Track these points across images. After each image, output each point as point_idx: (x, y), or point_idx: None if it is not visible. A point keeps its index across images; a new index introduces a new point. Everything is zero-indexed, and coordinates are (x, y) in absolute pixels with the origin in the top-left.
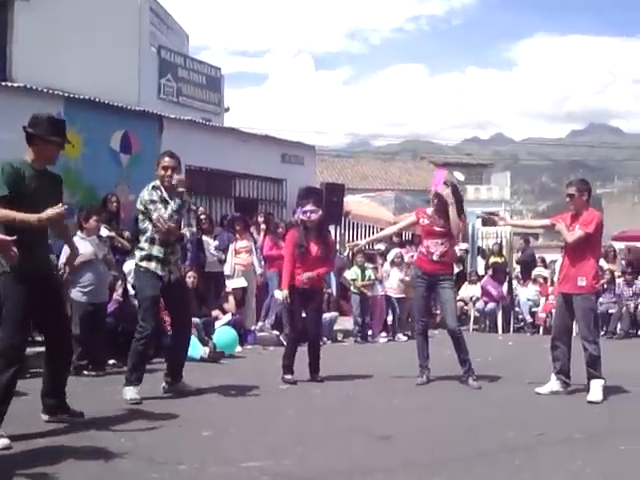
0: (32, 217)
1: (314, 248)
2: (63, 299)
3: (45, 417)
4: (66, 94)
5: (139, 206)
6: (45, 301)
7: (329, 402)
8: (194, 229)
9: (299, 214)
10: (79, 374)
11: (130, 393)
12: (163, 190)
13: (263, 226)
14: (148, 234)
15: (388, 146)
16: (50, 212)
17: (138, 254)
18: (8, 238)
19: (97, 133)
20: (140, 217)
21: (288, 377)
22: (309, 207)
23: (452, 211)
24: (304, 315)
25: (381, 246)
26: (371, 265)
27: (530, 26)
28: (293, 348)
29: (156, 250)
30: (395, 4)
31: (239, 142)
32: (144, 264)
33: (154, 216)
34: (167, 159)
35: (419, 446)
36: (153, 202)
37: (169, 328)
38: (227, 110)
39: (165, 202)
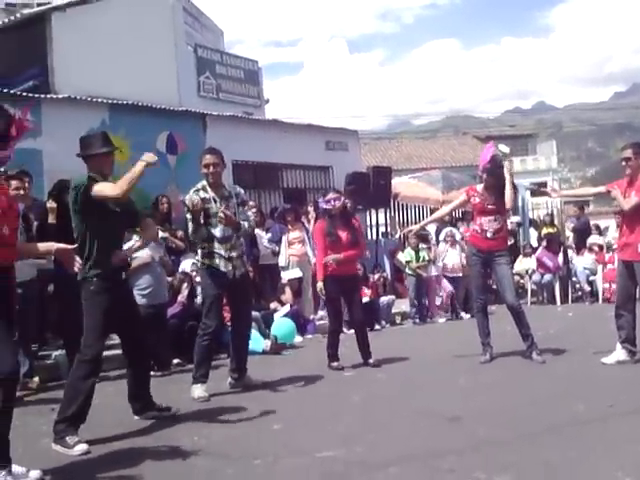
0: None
1: (343, 234)
2: (136, 303)
3: (136, 417)
4: (109, 101)
5: (186, 207)
6: (122, 307)
7: (394, 386)
8: (252, 221)
9: (322, 204)
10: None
11: (197, 391)
12: (209, 188)
13: (313, 215)
14: (205, 232)
15: (429, 124)
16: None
17: (200, 252)
18: (69, 247)
19: (143, 136)
20: (188, 216)
21: (335, 364)
22: (331, 195)
23: (508, 187)
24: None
25: (432, 226)
26: (425, 246)
27: None
28: (335, 337)
29: (216, 247)
30: None
31: (282, 133)
32: (206, 261)
33: (211, 212)
34: (207, 156)
35: (488, 425)
36: (203, 201)
37: (228, 323)
38: (267, 102)
39: (213, 200)
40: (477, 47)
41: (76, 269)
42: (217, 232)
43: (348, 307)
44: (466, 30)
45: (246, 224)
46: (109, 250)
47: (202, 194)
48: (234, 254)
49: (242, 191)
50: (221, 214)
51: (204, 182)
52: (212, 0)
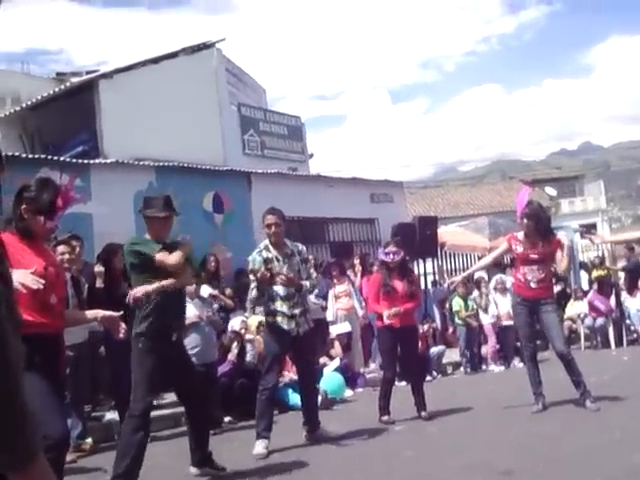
0: None
1: (399, 285)
2: (190, 361)
3: (193, 470)
4: (156, 163)
5: (250, 267)
6: (174, 365)
7: (446, 439)
8: (314, 280)
9: (381, 255)
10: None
11: (258, 447)
12: (271, 247)
13: (359, 267)
14: (269, 291)
15: (475, 170)
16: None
17: (264, 310)
18: (114, 314)
19: (189, 197)
20: (251, 277)
21: (385, 418)
22: (391, 248)
23: (564, 260)
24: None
25: (483, 273)
26: (476, 293)
27: (602, 30)
28: (388, 389)
29: (278, 305)
30: (464, 28)
31: (327, 187)
32: (270, 319)
33: (274, 271)
34: (269, 216)
35: (542, 478)
36: (267, 261)
37: (281, 380)
38: (311, 156)
39: (276, 259)
40: (519, 90)
41: (121, 335)
42: (280, 290)
43: (404, 359)
44: (507, 75)
45: (308, 283)
46: (162, 309)
47: (265, 254)
48: (297, 311)
49: (304, 249)
50: (283, 277)
51: (267, 242)
52: (254, 59)
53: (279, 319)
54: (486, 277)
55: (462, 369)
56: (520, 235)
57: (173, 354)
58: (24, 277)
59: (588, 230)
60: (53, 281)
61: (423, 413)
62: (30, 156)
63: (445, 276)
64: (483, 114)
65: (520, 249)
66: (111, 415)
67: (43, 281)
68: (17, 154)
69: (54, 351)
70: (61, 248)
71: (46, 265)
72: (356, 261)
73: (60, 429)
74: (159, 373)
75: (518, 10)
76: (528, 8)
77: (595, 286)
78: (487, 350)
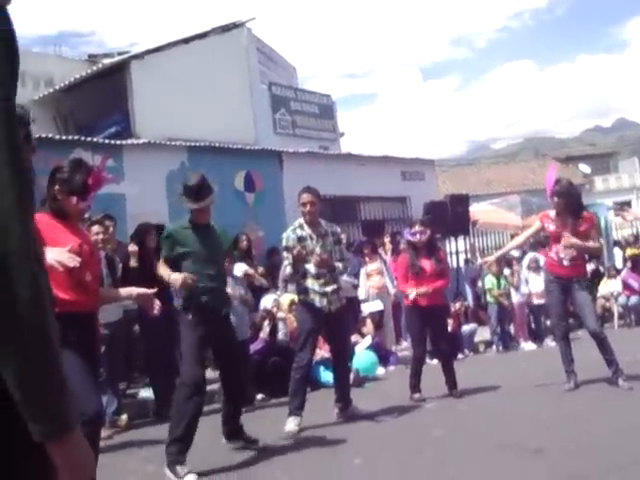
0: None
1: (427, 264)
2: (235, 337)
3: (224, 442)
4: (187, 143)
5: (284, 244)
6: (219, 339)
7: (476, 418)
8: (347, 262)
9: (407, 235)
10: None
11: (289, 424)
12: (306, 226)
13: (389, 246)
14: (301, 269)
15: (508, 147)
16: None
17: (296, 289)
18: (148, 291)
19: (221, 176)
20: (284, 254)
21: (416, 396)
22: (417, 228)
23: (593, 243)
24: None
25: (515, 252)
26: (508, 271)
27: (637, 3)
28: (418, 367)
29: (310, 283)
30: (496, 4)
31: (358, 166)
32: (302, 297)
33: (307, 251)
34: (304, 195)
35: (573, 457)
36: (300, 239)
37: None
38: (342, 135)
39: (310, 237)
40: (552, 66)
41: (156, 312)
42: (312, 268)
43: (433, 338)
44: (539, 50)
45: (341, 265)
46: (206, 283)
47: (299, 232)
48: (329, 289)
49: (338, 229)
50: (317, 258)
51: (301, 220)
52: (284, 37)
53: (311, 296)
54: (518, 255)
55: (494, 347)
56: (552, 213)
57: (220, 327)
58: (60, 255)
59: (622, 207)
60: (87, 259)
61: (454, 391)
62: (64, 137)
63: (477, 254)
64: (515, 91)
65: (552, 227)
66: (145, 392)
67: (79, 258)
68: (51, 136)
69: (89, 329)
70: (95, 228)
71: (81, 243)
72: (386, 239)
73: (95, 406)
74: (206, 344)
75: None
76: None
77: (629, 264)
78: (516, 328)
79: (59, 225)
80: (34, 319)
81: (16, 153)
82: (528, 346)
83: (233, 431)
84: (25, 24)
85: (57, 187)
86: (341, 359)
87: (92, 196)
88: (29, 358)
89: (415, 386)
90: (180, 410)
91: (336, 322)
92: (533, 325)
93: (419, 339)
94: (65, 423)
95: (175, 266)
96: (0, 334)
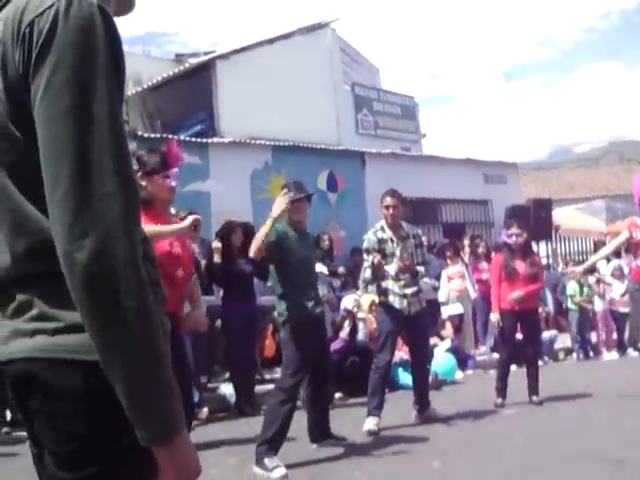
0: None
1: (521, 267)
2: (326, 340)
3: (314, 446)
4: (271, 143)
5: (365, 246)
6: (315, 342)
7: (557, 426)
8: (428, 266)
9: (504, 237)
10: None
11: (368, 424)
12: (387, 228)
13: (468, 249)
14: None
15: (591, 151)
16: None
17: (376, 290)
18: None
19: (304, 175)
20: (365, 256)
21: (499, 401)
22: (514, 230)
23: None
24: (520, 336)
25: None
26: (593, 279)
27: None
28: (505, 371)
29: (390, 284)
30: (583, 5)
31: (440, 168)
32: (382, 298)
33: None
34: (388, 198)
35: None
36: (381, 241)
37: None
38: (424, 137)
39: (390, 240)
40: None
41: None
42: (392, 270)
43: (522, 341)
44: (628, 51)
45: (423, 269)
46: (303, 291)
47: (380, 234)
48: (409, 291)
49: (420, 232)
50: (400, 264)
51: (382, 222)
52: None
53: (391, 298)
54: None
55: (574, 355)
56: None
57: (317, 331)
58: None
59: None
60: (179, 254)
61: (534, 398)
62: (152, 135)
63: (559, 259)
64: (601, 93)
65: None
66: (226, 387)
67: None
68: (139, 133)
69: (175, 325)
70: None
71: (173, 239)
72: (466, 242)
73: (186, 400)
74: (308, 351)
75: None
76: None
77: None
78: (598, 337)
79: (150, 223)
80: (141, 327)
81: (123, 162)
82: (610, 355)
83: (322, 433)
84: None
85: (139, 173)
86: (420, 361)
87: (174, 173)
88: (137, 365)
89: (501, 390)
90: (273, 413)
91: (415, 325)
92: (615, 334)
93: (509, 343)
94: (173, 427)
95: (276, 266)
96: (108, 343)
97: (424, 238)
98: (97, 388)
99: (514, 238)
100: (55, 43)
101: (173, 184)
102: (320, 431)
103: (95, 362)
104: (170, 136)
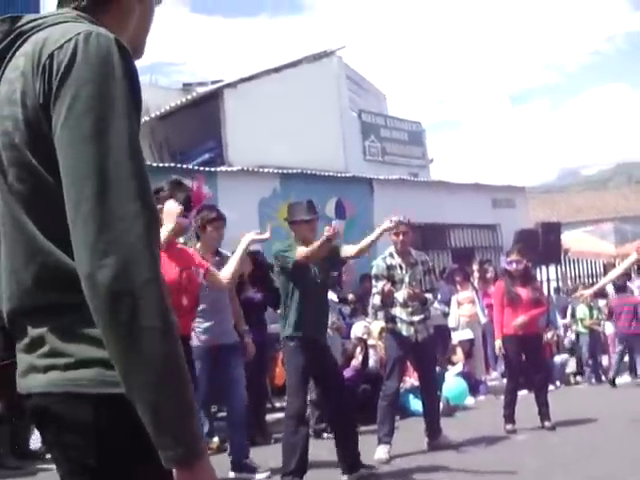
0: None
1: (523, 292)
2: (334, 363)
3: (345, 477)
4: (279, 171)
5: (374, 272)
6: (319, 367)
7: (569, 451)
8: (436, 292)
9: (504, 264)
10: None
11: (379, 452)
12: (396, 255)
13: (476, 275)
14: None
15: (599, 173)
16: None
17: (384, 317)
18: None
19: None
20: (374, 282)
21: (509, 427)
22: (513, 257)
23: None
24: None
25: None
26: (602, 302)
27: None
28: (513, 397)
29: (398, 311)
30: (588, 28)
31: (448, 193)
32: (389, 325)
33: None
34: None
35: None
36: (390, 268)
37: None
38: (431, 162)
39: (399, 267)
40: None
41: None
42: (399, 297)
43: (528, 368)
44: (634, 72)
45: (431, 296)
46: (309, 313)
47: (389, 260)
48: (416, 318)
49: (428, 259)
50: (409, 292)
51: (391, 248)
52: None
53: (398, 325)
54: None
55: (586, 378)
56: None
57: (320, 356)
58: None
59: None
60: (186, 284)
61: (546, 423)
62: (161, 165)
63: (568, 282)
64: (607, 115)
65: None
66: None
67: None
68: (147, 163)
69: (186, 350)
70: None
71: (180, 270)
72: (475, 267)
73: None
74: (310, 374)
75: None
76: None
77: None
78: (610, 360)
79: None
80: (164, 348)
81: (143, 185)
82: (622, 379)
83: (351, 464)
84: None
85: (160, 206)
86: (428, 388)
87: (193, 214)
88: (164, 385)
89: (509, 416)
90: (290, 443)
91: (422, 351)
92: (626, 357)
93: (515, 369)
94: (196, 449)
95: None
96: (132, 363)
97: (431, 264)
98: (107, 421)
99: (514, 265)
100: (74, 74)
101: (189, 221)
102: (349, 462)
103: (105, 395)
104: (179, 165)
